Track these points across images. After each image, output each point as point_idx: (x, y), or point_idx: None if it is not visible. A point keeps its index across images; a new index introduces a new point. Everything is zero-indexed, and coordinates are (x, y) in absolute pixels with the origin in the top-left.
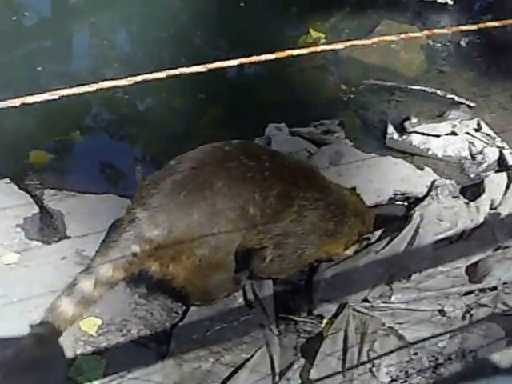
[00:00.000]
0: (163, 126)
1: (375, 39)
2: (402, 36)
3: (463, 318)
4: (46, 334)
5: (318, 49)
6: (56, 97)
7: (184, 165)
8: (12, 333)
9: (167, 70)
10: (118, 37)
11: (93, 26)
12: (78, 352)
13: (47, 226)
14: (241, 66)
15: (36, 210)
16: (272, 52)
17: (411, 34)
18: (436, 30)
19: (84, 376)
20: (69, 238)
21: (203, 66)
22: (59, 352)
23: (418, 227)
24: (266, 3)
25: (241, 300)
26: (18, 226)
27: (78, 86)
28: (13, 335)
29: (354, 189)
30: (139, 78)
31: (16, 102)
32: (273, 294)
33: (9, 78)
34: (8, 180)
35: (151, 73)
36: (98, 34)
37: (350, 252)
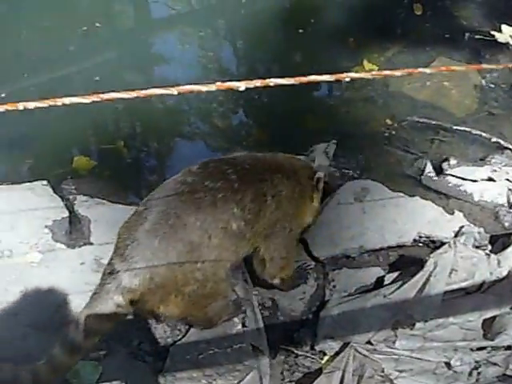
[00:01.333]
0: (206, 143)
1: (403, 71)
2: (426, 71)
3: (470, 374)
4: (43, 378)
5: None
6: (88, 101)
7: (152, 209)
8: (22, 330)
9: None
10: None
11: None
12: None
13: (74, 231)
14: (288, 91)
15: (65, 213)
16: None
17: (455, 67)
18: (484, 65)
19: (79, 380)
20: (91, 244)
21: (256, 80)
22: None
23: (429, 275)
24: (324, 31)
25: (239, 327)
26: (46, 227)
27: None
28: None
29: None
30: (188, 88)
31: (58, 102)
32: (262, 323)
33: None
34: (45, 182)
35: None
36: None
37: (316, 202)
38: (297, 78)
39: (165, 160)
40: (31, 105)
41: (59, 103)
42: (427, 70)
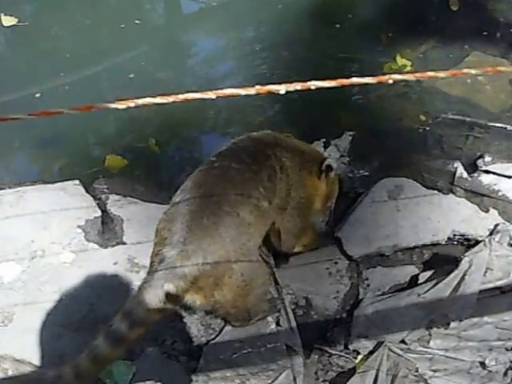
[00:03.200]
0: None
1: (447, 72)
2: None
3: (505, 374)
4: (85, 371)
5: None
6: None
7: (190, 194)
8: (55, 330)
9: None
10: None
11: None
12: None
13: (107, 230)
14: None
15: (98, 213)
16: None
17: (501, 68)
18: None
19: (112, 380)
20: (124, 243)
21: (296, 83)
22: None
23: (464, 274)
24: (361, 25)
25: (273, 326)
26: (78, 227)
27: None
28: (55, 334)
29: None
30: (226, 92)
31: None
32: (295, 323)
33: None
34: (77, 182)
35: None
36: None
37: (323, 184)
38: (338, 81)
39: (197, 157)
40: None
41: (132, 104)
42: (472, 71)
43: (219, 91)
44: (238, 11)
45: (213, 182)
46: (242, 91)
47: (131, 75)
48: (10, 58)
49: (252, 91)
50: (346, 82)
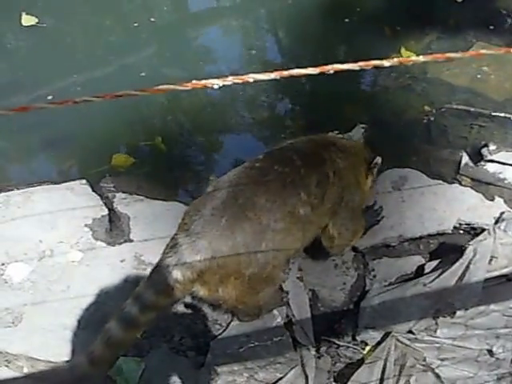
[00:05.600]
0: (246, 136)
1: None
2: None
3: None
4: (99, 357)
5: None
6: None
7: (221, 190)
8: (64, 329)
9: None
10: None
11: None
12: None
13: (114, 228)
14: (328, 80)
15: (105, 211)
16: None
17: (491, 51)
18: None
19: (122, 376)
20: (131, 241)
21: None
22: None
23: (469, 262)
24: (368, 19)
25: (279, 320)
26: (86, 225)
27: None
28: (64, 332)
29: None
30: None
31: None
32: (311, 316)
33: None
34: (84, 181)
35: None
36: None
37: (370, 181)
38: (320, 68)
39: (204, 155)
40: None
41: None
42: (455, 54)
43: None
44: (249, 8)
45: (246, 182)
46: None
47: (142, 73)
48: (24, 58)
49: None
50: (327, 68)
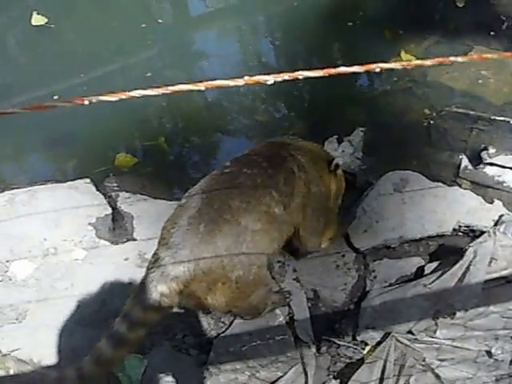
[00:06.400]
0: (246, 137)
1: (434, 60)
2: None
3: (511, 362)
4: (88, 373)
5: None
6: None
7: (194, 198)
8: (67, 326)
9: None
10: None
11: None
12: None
13: (117, 227)
14: (327, 83)
15: (109, 210)
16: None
17: (487, 55)
18: None
19: (124, 373)
20: (135, 240)
21: (284, 74)
22: None
23: (469, 264)
24: (370, 23)
25: (281, 319)
26: (89, 224)
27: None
28: (67, 330)
29: None
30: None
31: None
32: (309, 316)
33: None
34: (88, 180)
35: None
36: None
37: (333, 183)
38: (326, 70)
39: (206, 155)
40: (102, 98)
41: (130, 94)
42: (459, 59)
43: (209, 82)
44: (255, 12)
45: (219, 188)
46: (231, 82)
47: (148, 74)
48: (31, 57)
49: (241, 82)
50: (332, 71)
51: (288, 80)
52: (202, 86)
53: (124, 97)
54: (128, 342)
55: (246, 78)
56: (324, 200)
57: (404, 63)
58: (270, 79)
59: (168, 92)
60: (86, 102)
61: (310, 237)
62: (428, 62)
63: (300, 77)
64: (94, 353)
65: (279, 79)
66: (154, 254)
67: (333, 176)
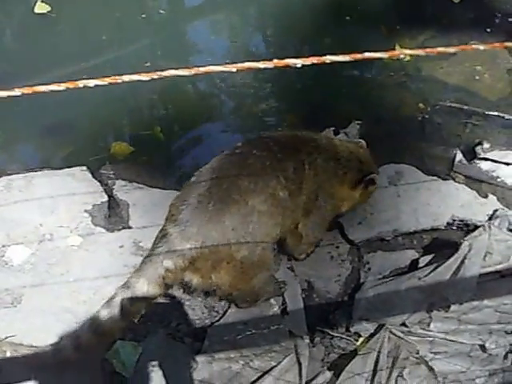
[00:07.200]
0: (241, 127)
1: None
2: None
3: (505, 357)
4: (84, 342)
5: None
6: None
7: (205, 177)
8: (62, 311)
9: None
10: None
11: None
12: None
13: (113, 215)
14: (321, 75)
15: (105, 198)
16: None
17: (479, 47)
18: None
19: (119, 360)
20: (130, 228)
21: (313, 57)
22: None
23: (464, 258)
24: (366, 17)
25: (276, 309)
26: (85, 211)
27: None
28: (62, 314)
29: None
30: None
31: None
32: (303, 306)
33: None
34: (84, 168)
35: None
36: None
37: (357, 194)
38: (352, 55)
39: (200, 144)
40: (92, 82)
41: (119, 81)
42: (450, 50)
43: (239, 64)
44: (252, 4)
45: (228, 168)
46: (261, 64)
47: (147, 64)
48: (31, 45)
49: (271, 65)
50: (359, 56)
51: (316, 64)
52: (233, 68)
53: (115, 81)
54: (128, 313)
55: (275, 60)
56: (330, 213)
57: (428, 50)
58: (299, 63)
59: (156, 77)
60: (71, 86)
61: (305, 239)
62: (407, 52)
63: (327, 61)
64: (92, 322)
65: (308, 63)
66: (162, 229)
67: (360, 189)
